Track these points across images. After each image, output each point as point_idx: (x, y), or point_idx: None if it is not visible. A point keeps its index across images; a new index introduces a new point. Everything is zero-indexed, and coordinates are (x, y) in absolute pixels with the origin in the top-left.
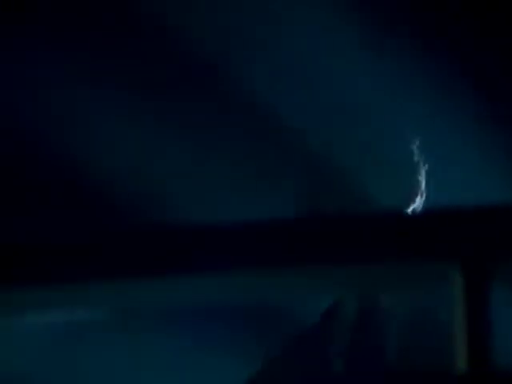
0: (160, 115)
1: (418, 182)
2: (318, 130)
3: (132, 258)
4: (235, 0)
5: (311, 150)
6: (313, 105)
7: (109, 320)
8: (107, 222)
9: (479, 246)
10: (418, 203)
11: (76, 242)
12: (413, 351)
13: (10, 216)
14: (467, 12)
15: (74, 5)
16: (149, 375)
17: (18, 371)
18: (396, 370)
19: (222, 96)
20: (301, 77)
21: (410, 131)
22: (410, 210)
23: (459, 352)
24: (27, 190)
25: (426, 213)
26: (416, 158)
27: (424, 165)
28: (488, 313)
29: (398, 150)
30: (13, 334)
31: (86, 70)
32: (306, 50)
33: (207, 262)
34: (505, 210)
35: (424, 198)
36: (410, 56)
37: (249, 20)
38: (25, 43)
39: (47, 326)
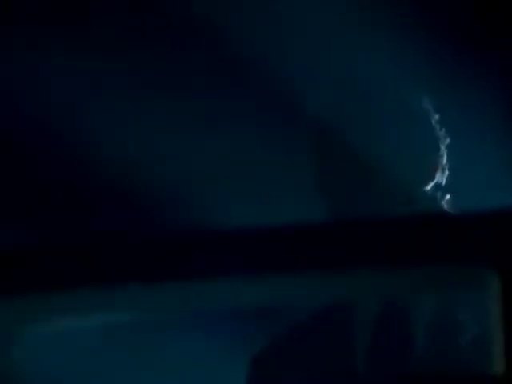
0: (163, 114)
1: (438, 158)
2: (331, 112)
3: (144, 261)
4: None
5: (325, 134)
6: (327, 91)
7: (122, 323)
8: (123, 226)
9: None
10: (439, 179)
11: (83, 245)
12: (449, 354)
13: (25, 219)
14: None
15: (77, 4)
16: (156, 376)
17: (33, 374)
18: (430, 373)
19: (231, 96)
20: (313, 67)
21: (430, 105)
22: (431, 186)
23: (496, 356)
24: (41, 194)
25: (461, 214)
26: (436, 133)
27: (444, 139)
28: None
29: (416, 125)
30: (31, 340)
31: (87, 69)
32: (318, 40)
33: (218, 266)
34: None
35: (446, 173)
36: (432, 33)
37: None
38: (25, 42)
39: (64, 331)
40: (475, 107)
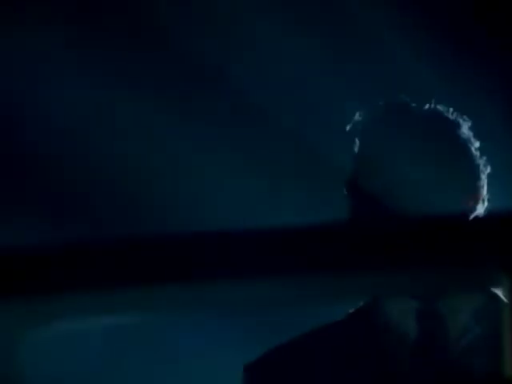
0: (163, 114)
1: (478, 189)
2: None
3: (144, 262)
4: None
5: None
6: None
7: (122, 325)
8: (123, 226)
9: None
10: (479, 211)
11: (83, 246)
12: (457, 357)
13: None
14: None
15: (77, 4)
16: (156, 377)
17: (43, 376)
18: (443, 377)
19: (232, 96)
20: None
21: (470, 133)
22: (471, 218)
23: (505, 359)
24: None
25: (476, 217)
26: (477, 162)
27: (485, 169)
28: None
29: (455, 153)
30: (41, 343)
31: (88, 70)
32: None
33: (218, 266)
34: None
35: (486, 204)
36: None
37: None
38: (26, 42)
39: (75, 332)
40: (475, 107)
